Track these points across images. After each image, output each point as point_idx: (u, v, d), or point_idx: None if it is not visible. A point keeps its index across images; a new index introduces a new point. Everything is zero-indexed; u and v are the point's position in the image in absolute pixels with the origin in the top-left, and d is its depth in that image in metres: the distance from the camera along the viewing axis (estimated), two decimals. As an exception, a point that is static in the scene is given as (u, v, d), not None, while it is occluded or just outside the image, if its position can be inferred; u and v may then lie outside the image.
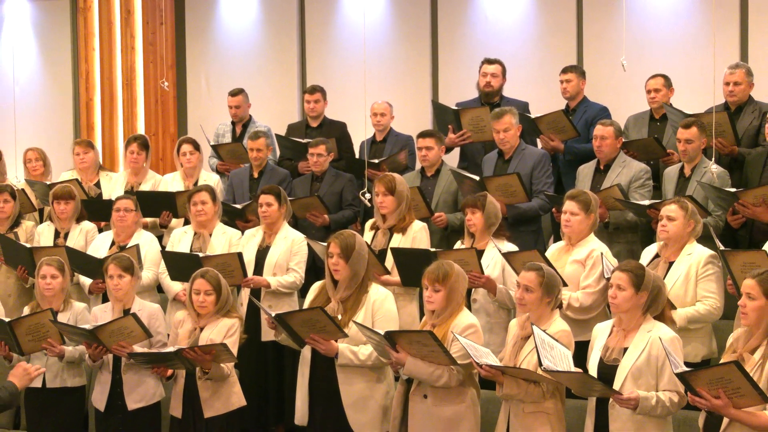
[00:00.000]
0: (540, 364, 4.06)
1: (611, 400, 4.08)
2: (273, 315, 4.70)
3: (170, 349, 4.97)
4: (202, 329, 5.06)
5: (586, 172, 6.44)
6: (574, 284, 5.18)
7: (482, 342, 4.57)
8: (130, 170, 7.39)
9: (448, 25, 8.63)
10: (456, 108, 7.03)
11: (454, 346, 4.36)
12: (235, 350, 5.01)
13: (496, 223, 5.47)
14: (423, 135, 6.66)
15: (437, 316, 4.54)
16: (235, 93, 7.88)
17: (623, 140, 6.41)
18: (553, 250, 5.49)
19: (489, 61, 7.19)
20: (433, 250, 5.43)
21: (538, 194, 6.25)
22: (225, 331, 5.03)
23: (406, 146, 7.24)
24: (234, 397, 5.14)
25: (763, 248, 4.92)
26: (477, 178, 6.20)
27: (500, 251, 5.25)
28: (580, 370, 4.12)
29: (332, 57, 8.99)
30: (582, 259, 5.22)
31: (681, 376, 3.80)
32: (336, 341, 4.62)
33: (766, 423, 3.70)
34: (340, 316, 4.69)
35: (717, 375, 3.71)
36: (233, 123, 7.92)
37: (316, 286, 5.03)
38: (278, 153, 7.69)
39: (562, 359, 4.11)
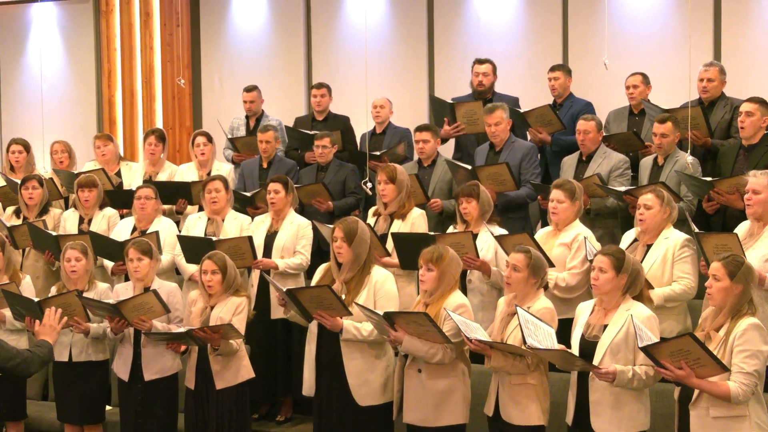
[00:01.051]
0: (524, 342, 4.09)
1: (591, 373, 4.09)
2: (284, 290, 4.70)
3: (181, 329, 5.00)
4: (212, 308, 5.07)
5: (570, 162, 6.43)
6: (561, 266, 5.18)
7: (473, 320, 4.58)
8: (148, 161, 7.39)
9: (443, 26, 8.58)
10: (451, 102, 7.01)
11: (446, 323, 4.37)
12: (243, 326, 5.04)
13: (489, 211, 5.47)
14: (420, 129, 6.63)
15: (430, 295, 4.55)
16: (250, 89, 7.84)
17: (604, 134, 6.42)
18: (541, 234, 5.48)
19: (479, 61, 7.18)
20: (431, 234, 5.41)
21: (526, 183, 6.24)
22: (234, 309, 5.04)
23: (403, 138, 7.22)
24: (243, 370, 5.16)
25: (735, 231, 4.93)
26: (469, 167, 6.19)
27: (493, 235, 5.25)
28: (562, 346, 4.12)
29: (336, 56, 8.95)
30: (568, 242, 5.22)
31: (645, 349, 3.84)
32: (341, 318, 4.64)
33: (726, 391, 3.73)
34: (343, 296, 4.69)
35: (676, 347, 3.76)
36: (247, 117, 7.89)
37: (322, 267, 5.03)
38: (286, 143, 7.67)
39: (545, 337, 4.13)
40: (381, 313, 4.45)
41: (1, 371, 3.90)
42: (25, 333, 5.45)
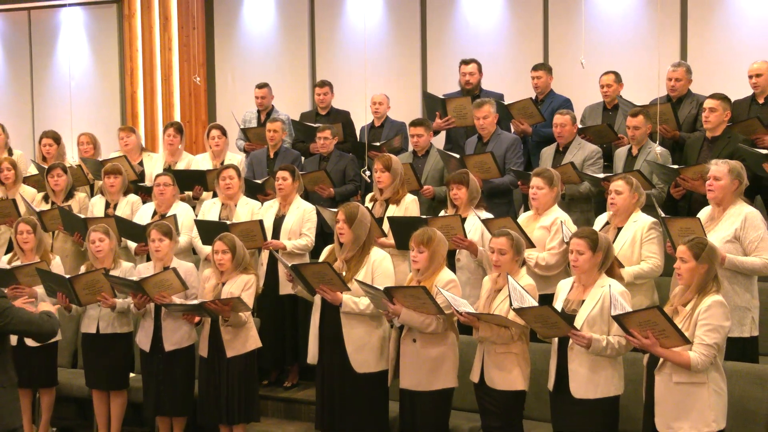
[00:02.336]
0: (510, 305, 4.12)
1: (570, 342, 4.10)
2: (290, 265, 4.76)
3: (195, 301, 5.01)
4: (224, 284, 5.09)
5: (548, 153, 6.43)
6: (541, 246, 5.19)
7: (461, 294, 4.61)
8: (167, 151, 7.36)
9: (435, 28, 8.53)
10: (443, 98, 6.99)
11: (438, 298, 4.37)
12: (251, 301, 5.07)
13: (477, 197, 5.47)
14: (415, 124, 6.62)
15: (421, 274, 4.56)
16: (261, 86, 7.80)
17: (579, 126, 6.42)
18: (523, 218, 5.48)
19: (465, 62, 7.15)
20: (423, 217, 5.41)
21: (509, 171, 6.23)
22: (243, 285, 5.07)
23: (400, 131, 7.20)
24: (251, 340, 5.19)
25: (698, 216, 4.93)
26: (458, 156, 6.19)
27: (480, 218, 5.26)
28: (545, 305, 4.14)
29: (338, 55, 8.90)
30: (548, 225, 5.23)
31: (617, 318, 3.87)
32: (340, 293, 4.64)
33: (687, 360, 3.77)
34: (344, 273, 4.71)
35: (644, 318, 3.79)
36: (258, 111, 7.86)
37: (327, 248, 5.05)
38: (293, 137, 7.65)
39: (529, 303, 4.15)
40: (381, 288, 4.46)
41: (27, 335, 3.88)
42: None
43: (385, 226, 5.54)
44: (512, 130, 6.78)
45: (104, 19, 9.64)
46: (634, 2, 7.80)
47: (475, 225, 5.35)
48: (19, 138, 9.17)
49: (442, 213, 5.64)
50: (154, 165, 7.31)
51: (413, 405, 4.65)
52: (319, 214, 6.00)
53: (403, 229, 5.07)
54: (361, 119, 7.54)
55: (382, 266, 4.76)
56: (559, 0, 8.02)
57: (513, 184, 6.28)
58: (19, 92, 10.11)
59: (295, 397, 5.98)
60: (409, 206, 5.72)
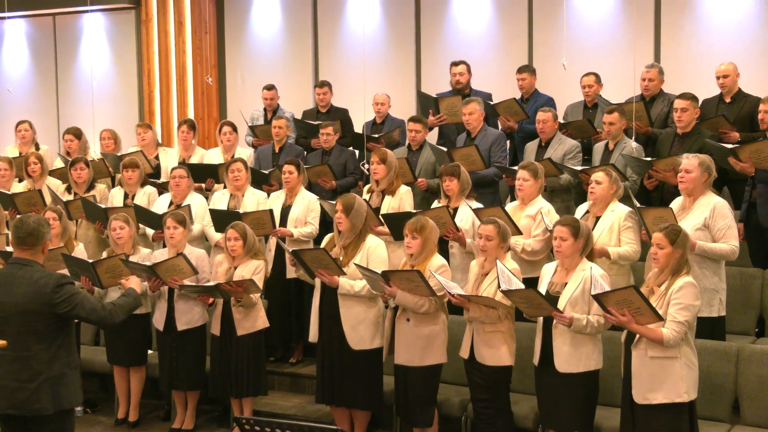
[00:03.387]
0: (498, 287, 4.12)
1: (554, 321, 4.09)
2: (291, 251, 4.78)
3: (211, 283, 4.99)
4: (235, 268, 5.08)
5: (531, 147, 6.40)
6: (527, 234, 5.17)
7: (451, 278, 4.59)
8: (181, 146, 7.29)
9: (428, 32, 8.49)
10: (435, 96, 6.95)
11: (431, 281, 4.36)
12: (261, 284, 5.04)
13: (467, 189, 5.44)
14: (413, 120, 6.60)
15: (414, 258, 4.54)
16: (269, 88, 7.74)
17: (561, 122, 6.39)
18: (509, 207, 5.45)
19: (455, 63, 7.10)
20: (414, 211, 5.35)
21: (494, 164, 6.20)
22: (253, 270, 5.07)
23: (398, 126, 7.17)
24: (260, 320, 5.19)
25: (670, 206, 4.92)
26: (445, 149, 6.18)
27: (471, 208, 5.23)
28: (530, 288, 4.14)
29: (339, 57, 8.84)
30: (533, 214, 5.21)
31: (596, 297, 3.88)
32: (337, 276, 4.63)
33: (660, 336, 3.79)
34: (342, 258, 4.69)
35: (622, 297, 3.81)
36: (265, 110, 7.82)
37: (328, 236, 5.03)
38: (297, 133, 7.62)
39: (516, 285, 4.14)
40: (379, 272, 4.44)
41: (88, 322, 3.88)
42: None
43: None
44: (499, 127, 6.75)
45: (123, 23, 9.57)
46: (612, 9, 7.76)
47: (466, 214, 5.33)
48: (45, 134, 9.14)
49: (435, 203, 5.62)
50: (169, 159, 7.24)
51: (406, 379, 4.65)
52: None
53: (397, 221, 5.03)
54: (360, 116, 7.49)
55: (376, 252, 4.74)
56: (542, 7, 7.98)
57: (497, 175, 6.24)
58: (45, 92, 10.04)
59: (300, 372, 5.96)
60: (404, 197, 5.68)
